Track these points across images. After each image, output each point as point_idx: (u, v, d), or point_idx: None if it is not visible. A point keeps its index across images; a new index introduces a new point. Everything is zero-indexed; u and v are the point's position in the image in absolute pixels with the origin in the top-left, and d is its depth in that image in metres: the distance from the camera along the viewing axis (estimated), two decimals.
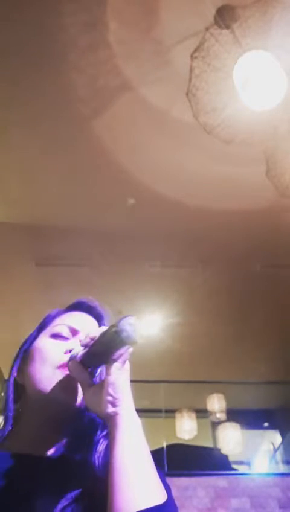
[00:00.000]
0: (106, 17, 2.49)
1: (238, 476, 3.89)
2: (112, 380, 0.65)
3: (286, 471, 5.55)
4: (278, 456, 5.95)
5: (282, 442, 6.10)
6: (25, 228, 4.06)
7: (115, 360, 0.65)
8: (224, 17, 2.23)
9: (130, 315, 0.64)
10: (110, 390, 0.64)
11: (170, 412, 5.39)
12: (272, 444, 6.07)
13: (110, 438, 0.63)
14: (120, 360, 0.66)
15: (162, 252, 4.37)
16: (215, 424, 5.66)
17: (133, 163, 3.39)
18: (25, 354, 0.83)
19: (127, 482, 0.57)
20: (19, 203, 3.84)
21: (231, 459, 4.87)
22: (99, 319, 0.89)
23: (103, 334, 0.67)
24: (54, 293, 4.79)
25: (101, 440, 0.72)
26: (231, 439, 5.22)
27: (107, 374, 0.66)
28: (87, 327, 0.83)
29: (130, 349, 0.66)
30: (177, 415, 5.48)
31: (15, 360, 0.84)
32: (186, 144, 3.20)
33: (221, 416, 5.49)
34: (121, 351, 0.65)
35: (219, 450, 5.18)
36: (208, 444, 5.60)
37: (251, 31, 2.10)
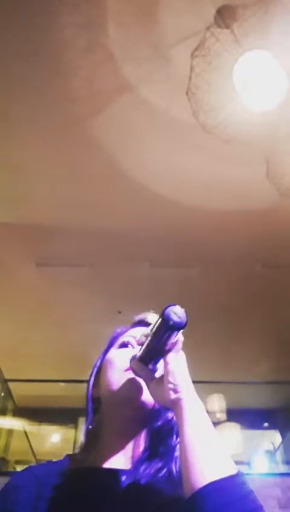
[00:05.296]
0: (106, 16, 2.49)
1: None
2: (170, 368, 0.69)
3: (286, 471, 5.54)
4: (278, 456, 5.95)
5: (282, 442, 6.10)
6: (25, 228, 4.06)
7: (169, 350, 0.70)
8: (224, 17, 2.23)
9: (173, 304, 0.68)
10: (170, 379, 0.68)
11: None
12: (272, 444, 6.08)
13: (177, 420, 0.67)
14: (174, 350, 0.70)
15: (162, 252, 4.37)
16: (215, 424, 5.64)
17: (132, 163, 3.39)
18: (97, 370, 0.90)
19: (198, 457, 0.60)
20: (19, 203, 3.84)
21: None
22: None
23: (153, 328, 0.72)
24: (54, 293, 4.79)
25: (177, 446, 0.75)
26: (231, 439, 5.22)
27: (165, 363, 0.70)
28: None
29: (181, 339, 0.71)
30: None
31: (90, 378, 0.90)
32: (185, 144, 3.20)
33: (221, 416, 5.48)
34: (172, 339, 0.69)
35: None
36: None
37: (251, 30, 2.09)
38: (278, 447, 6.03)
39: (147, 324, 0.92)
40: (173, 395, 0.67)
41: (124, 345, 0.87)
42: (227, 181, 3.47)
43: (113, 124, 3.09)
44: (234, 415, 5.57)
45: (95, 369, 0.90)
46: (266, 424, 6.67)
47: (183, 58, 2.39)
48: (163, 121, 3.04)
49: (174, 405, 0.67)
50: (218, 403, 5.52)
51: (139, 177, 3.48)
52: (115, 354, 0.87)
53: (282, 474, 3.99)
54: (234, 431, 5.35)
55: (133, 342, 0.87)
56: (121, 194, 3.70)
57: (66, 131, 3.18)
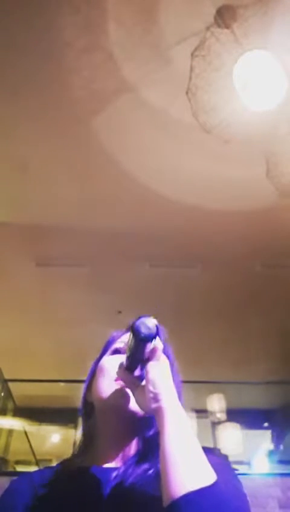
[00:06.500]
0: (106, 16, 2.49)
1: (238, 476, 3.87)
2: (150, 377, 0.69)
3: (286, 471, 5.54)
4: (278, 456, 5.95)
5: (282, 442, 6.10)
6: (25, 228, 4.06)
7: (148, 359, 0.70)
8: (224, 17, 2.23)
9: (144, 315, 0.68)
10: (151, 387, 0.68)
11: None
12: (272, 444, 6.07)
13: (159, 428, 0.67)
14: (154, 358, 0.70)
15: (162, 252, 4.37)
16: (215, 424, 5.66)
17: (132, 162, 3.39)
18: (91, 376, 0.91)
19: (177, 466, 0.61)
20: (19, 203, 3.84)
21: (231, 459, 4.87)
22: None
23: (129, 339, 0.72)
24: (54, 293, 4.80)
25: None
26: (231, 439, 5.22)
27: (146, 372, 0.70)
28: None
29: (160, 346, 0.71)
30: None
31: (85, 383, 0.92)
32: (185, 144, 3.20)
33: (221, 416, 5.49)
34: (147, 349, 0.69)
35: (219, 450, 5.18)
36: (208, 444, 5.60)
37: (251, 30, 2.10)
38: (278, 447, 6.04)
39: None
40: (154, 404, 0.68)
41: (116, 352, 0.88)
42: (227, 181, 3.47)
43: (113, 124, 3.09)
44: (234, 415, 5.57)
45: (89, 376, 0.92)
46: (266, 424, 6.67)
47: (183, 58, 2.39)
48: (163, 121, 3.04)
49: (156, 413, 0.68)
50: (218, 403, 5.52)
51: (139, 177, 3.48)
52: (107, 361, 0.88)
53: (282, 474, 3.98)
54: (234, 431, 5.35)
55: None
56: (121, 194, 3.70)
57: (66, 132, 3.18)
